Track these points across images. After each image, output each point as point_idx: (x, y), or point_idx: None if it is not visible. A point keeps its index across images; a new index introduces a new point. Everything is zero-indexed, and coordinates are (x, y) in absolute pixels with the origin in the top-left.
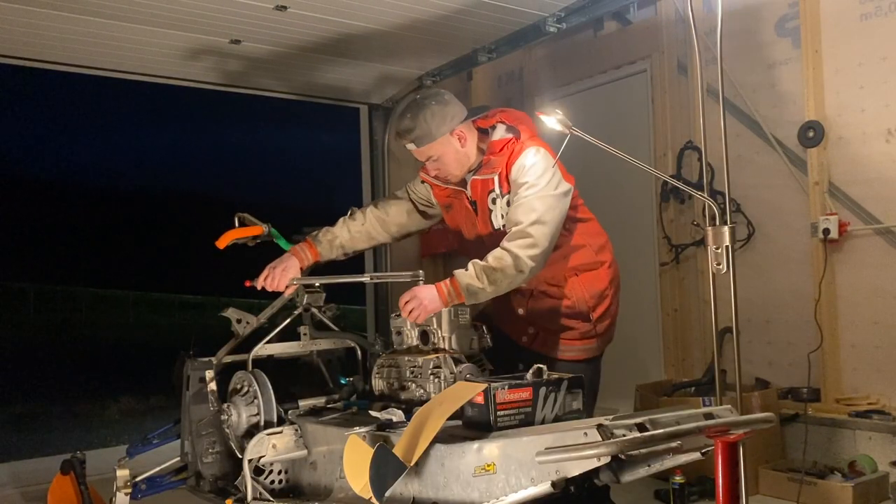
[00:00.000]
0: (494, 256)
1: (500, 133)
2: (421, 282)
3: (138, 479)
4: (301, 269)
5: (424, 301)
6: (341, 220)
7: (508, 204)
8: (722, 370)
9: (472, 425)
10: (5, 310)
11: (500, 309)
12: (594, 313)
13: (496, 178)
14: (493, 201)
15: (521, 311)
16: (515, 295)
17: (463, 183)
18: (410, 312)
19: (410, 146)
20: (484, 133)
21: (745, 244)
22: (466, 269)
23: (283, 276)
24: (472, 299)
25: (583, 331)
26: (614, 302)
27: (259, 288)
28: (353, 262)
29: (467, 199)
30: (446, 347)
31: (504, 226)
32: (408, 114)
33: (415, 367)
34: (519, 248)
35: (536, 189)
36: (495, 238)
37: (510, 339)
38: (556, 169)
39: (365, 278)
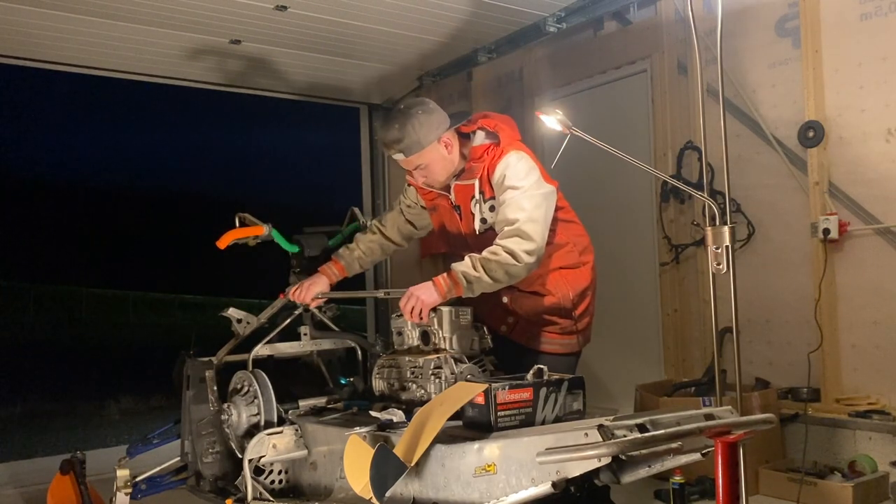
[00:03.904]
0: (490, 251)
1: (480, 139)
2: None
3: (138, 479)
4: (330, 284)
5: (422, 297)
6: (359, 234)
7: (491, 209)
8: (722, 370)
9: (473, 426)
10: (5, 310)
11: (480, 297)
12: (576, 310)
13: (477, 183)
14: (475, 205)
15: (505, 299)
16: None
17: (447, 188)
18: (412, 311)
19: (398, 156)
20: (466, 138)
21: (745, 244)
22: (464, 261)
23: (309, 290)
24: (469, 291)
25: (564, 326)
26: (593, 303)
27: (292, 299)
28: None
29: (451, 203)
30: (447, 348)
31: (488, 229)
32: (395, 124)
33: (415, 367)
34: (514, 244)
35: (522, 189)
36: (480, 239)
37: (490, 328)
38: (537, 171)
39: (379, 294)
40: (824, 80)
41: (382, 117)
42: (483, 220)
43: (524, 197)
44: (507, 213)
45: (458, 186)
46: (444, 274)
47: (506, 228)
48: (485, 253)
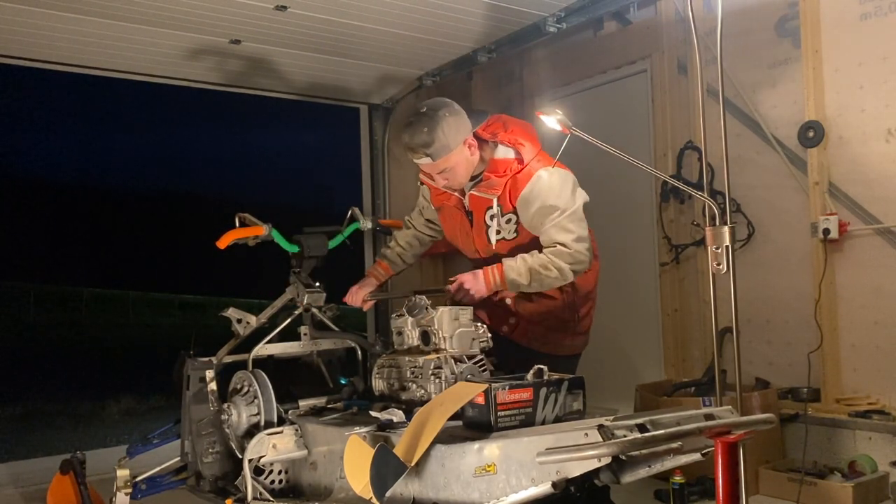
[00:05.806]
0: (542, 265)
1: (501, 153)
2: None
3: (138, 479)
4: (378, 284)
5: (472, 291)
6: (396, 231)
7: (508, 222)
8: (722, 370)
9: (473, 426)
10: (5, 310)
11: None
12: (580, 313)
13: (495, 200)
14: (491, 217)
15: (508, 301)
16: None
17: (461, 191)
18: (460, 302)
19: (425, 160)
20: (483, 141)
21: (745, 244)
22: (515, 263)
23: (357, 293)
24: (513, 289)
25: (567, 328)
26: (594, 306)
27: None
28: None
29: (464, 208)
30: (447, 348)
31: (501, 240)
32: (423, 127)
33: (415, 367)
34: (566, 263)
35: (561, 210)
36: (490, 249)
37: (490, 328)
38: (570, 179)
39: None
40: (824, 79)
41: (406, 121)
42: (498, 232)
43: (567, 219)
44: (553, 235)
45: (474, 196)
46: (494, 269)
47: (558, 248)
48: (536, 264)
